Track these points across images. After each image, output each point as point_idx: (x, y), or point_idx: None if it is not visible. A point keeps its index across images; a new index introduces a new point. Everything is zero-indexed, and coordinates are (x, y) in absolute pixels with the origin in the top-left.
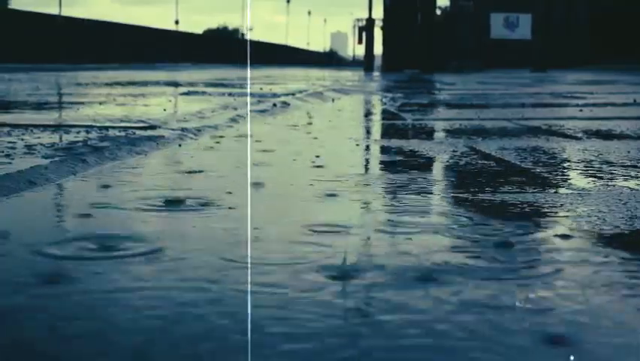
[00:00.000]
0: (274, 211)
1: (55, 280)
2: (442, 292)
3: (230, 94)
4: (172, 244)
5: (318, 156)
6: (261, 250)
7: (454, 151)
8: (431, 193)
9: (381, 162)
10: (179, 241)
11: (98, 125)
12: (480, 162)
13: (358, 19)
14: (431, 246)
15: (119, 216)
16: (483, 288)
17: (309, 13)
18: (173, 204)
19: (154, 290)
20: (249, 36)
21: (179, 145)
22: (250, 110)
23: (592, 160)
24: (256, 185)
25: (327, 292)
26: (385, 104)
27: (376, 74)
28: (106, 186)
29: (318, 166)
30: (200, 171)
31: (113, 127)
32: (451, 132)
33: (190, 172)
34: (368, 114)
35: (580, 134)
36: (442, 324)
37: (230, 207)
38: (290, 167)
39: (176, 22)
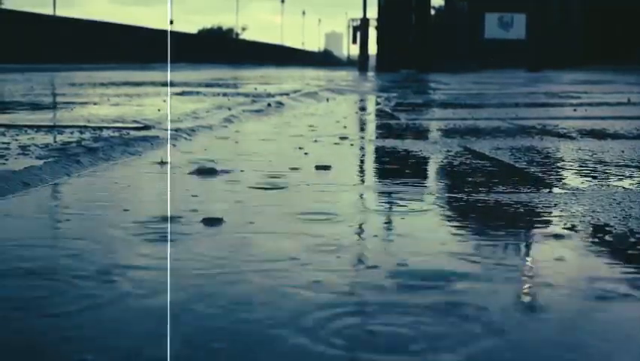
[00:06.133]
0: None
1: None
2: None
3: (224, 94)
4: None
5: (306, 153)
6: None
7: (448, 151)
8: (425, 193)
9: (375, 162)
10: None
11: (92, 125)
12: (474, 161)
13: (353, 19)
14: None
15: None
16: None
17: (304, 13)
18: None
19: None
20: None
21: (174, 145)
22: (244, 110)
23: (586, 160)
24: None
25: None
26: (380, 104)
27: (371, 74)
28: None
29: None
30: None
31: (107, 127)
32: (445, 132)
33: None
34: (362, 114)
35: (574, 134)
36: None
37: None
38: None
39: (171, 22)
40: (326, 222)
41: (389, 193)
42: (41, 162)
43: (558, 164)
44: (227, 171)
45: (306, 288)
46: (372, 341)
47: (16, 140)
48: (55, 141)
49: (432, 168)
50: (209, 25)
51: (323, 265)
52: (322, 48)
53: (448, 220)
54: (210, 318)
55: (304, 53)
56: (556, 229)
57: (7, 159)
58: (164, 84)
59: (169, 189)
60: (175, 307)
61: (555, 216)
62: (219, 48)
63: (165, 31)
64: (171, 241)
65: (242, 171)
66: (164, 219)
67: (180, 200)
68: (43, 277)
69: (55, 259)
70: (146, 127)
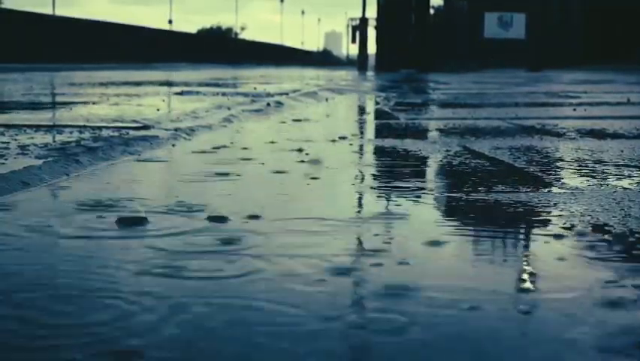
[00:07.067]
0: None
1: None
2: None
3: (224, 94)
4: None
5: (307, 154)
6: None
7: (447, 151)
8: (424, 193)
9: (374, 162)
10: None
11: (91, 125)
12: (473, 161)
13: (352, 19)
14: None
15: None
16: None
17: (303, 12)
18: None
19: None
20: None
21: (173, 145)
22: (244, 110)
23: (585, 159)
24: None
25: None
26: (379, 103)
27: (370, 73)
28: None
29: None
30: None
31: (107, 127)
32: (444, 132)
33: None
34: (362, 114)
35: (573, 134)
36: None
37: None
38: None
39: (170, 22)
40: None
41: (386, 193)
42: (40, 161)
43: (557, 163)
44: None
45: None
46: None
47: (16, 139)
48: (55, 141)
49: (431, 168)
50: (208, 25)
51: None
52: (321, 48)
53: (446, 219)
54: None
55: (303, 53)
56: (555, 228)
57: (6, 159)
58: (164, 84)
59: None
60: None
61: (554, 216)
62: (219, 48)
63: (165, 31)
64: None
65: (239, 176)
66: None
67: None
68: None
69: None
70: (146, 127)
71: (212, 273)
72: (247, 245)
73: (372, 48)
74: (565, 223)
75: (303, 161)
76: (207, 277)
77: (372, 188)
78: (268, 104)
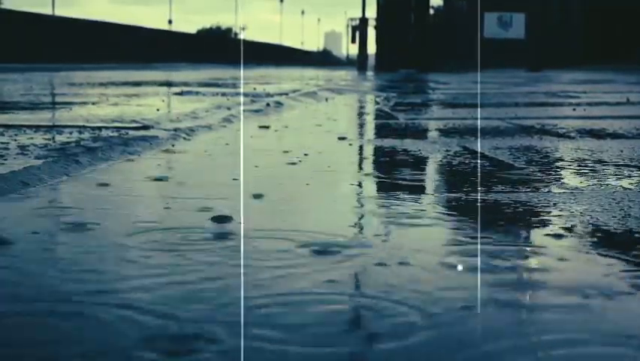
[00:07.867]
0: None
1: None
2: None
3: (223, 94)
4: None
5: (306, 155)
6: None
7: (447, 150)
8: (423, 193)
9: (374, 163)
10: None
11: (91, 125)
12: (473, 161)
13: (352, 19)
14: None
15: None
16: None
17: (303, 12)
18: None
19: None
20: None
21: (172, 145)
22: (243, 110)
23: (585, 159)
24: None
25: None
26: (379, 103)
27: (370, 73)
28: None
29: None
30: None
31: (107, 127)
32: (444, 132)
33: None
34: (361, 114)
35: (573, 134)
36: None
37: None
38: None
39: (170, 22)
40: None
41: (386, 194)
42: (40, 161)
43: (557, 163)
44: None
45: None
46: None
47: (15, 140)
48: (54, 141)
49: (430, 168)
50: (208, 25)
51: None
52: (321, 48)
53: (446, 220)
54: None
55: (303, 53)
56: (555, 228)
57: (6, 159)
58: (163, 84)
59: None
60: None
61: (554, 216)
62: (219, 48)
63: (165, 31)
64: None
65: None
66: None
67: None
68: None
69: None
70: (145, 127)
71: None
72: None
73: (372, 48)
74: (565, 223)
75: (301, 161)
76: None
77: (371, 187)
78: (268, 105)
